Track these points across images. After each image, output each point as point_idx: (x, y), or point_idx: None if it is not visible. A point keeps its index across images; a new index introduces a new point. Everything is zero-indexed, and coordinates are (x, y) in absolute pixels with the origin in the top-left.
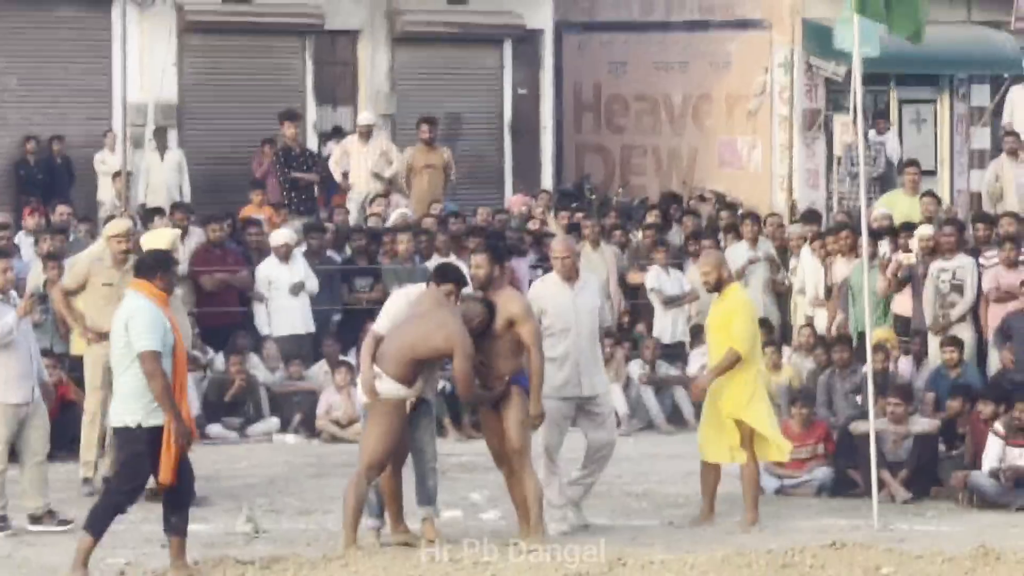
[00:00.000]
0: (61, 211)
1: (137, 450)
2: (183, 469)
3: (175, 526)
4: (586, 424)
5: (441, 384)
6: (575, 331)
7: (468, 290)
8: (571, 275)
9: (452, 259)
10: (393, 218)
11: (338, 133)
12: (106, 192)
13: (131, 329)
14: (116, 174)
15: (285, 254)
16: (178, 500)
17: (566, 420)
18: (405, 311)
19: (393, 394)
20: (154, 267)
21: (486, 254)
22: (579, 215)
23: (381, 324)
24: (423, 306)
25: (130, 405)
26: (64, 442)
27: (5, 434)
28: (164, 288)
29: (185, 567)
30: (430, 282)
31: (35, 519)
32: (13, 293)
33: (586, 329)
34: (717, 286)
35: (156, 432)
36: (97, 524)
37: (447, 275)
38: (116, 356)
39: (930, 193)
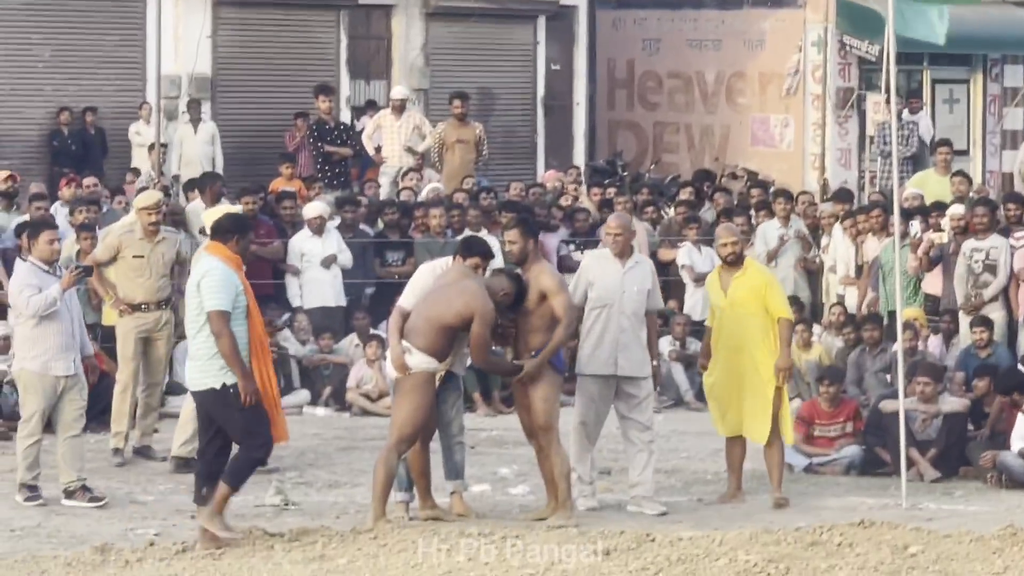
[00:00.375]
0: (88, 183)
1: (241, 405)
2: (228, 442)
3: (206, 497)
4: (621, 406)
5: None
6: (617, 308)
7: (498, 263)
8: (623, 252)
9: (483, 234)
10: (425, 192)
11: (371, 107)
12: (141, 163)
13: (202, 289)
14: (151, 146)
15: (319, 227)
16: (212, 471)
17: (604, 398)
18: (431, 285)
19: (423, 367)
20: (231, 230)
21: (518, 228)
22: (611, 191)
23: (407, 299)
24: (448, 278)
25: (207, 367)
26: (96, 412)
27: (42, 405)
28: (239, 251)
29: (215, 538)
30: (456, 256)
31: (69, 493)
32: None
33: (629, 308)
34: (740, 259)
35: None
36: (236, 477)
37: (473, 248)
38: (190, 317)
39: (961, 173)
